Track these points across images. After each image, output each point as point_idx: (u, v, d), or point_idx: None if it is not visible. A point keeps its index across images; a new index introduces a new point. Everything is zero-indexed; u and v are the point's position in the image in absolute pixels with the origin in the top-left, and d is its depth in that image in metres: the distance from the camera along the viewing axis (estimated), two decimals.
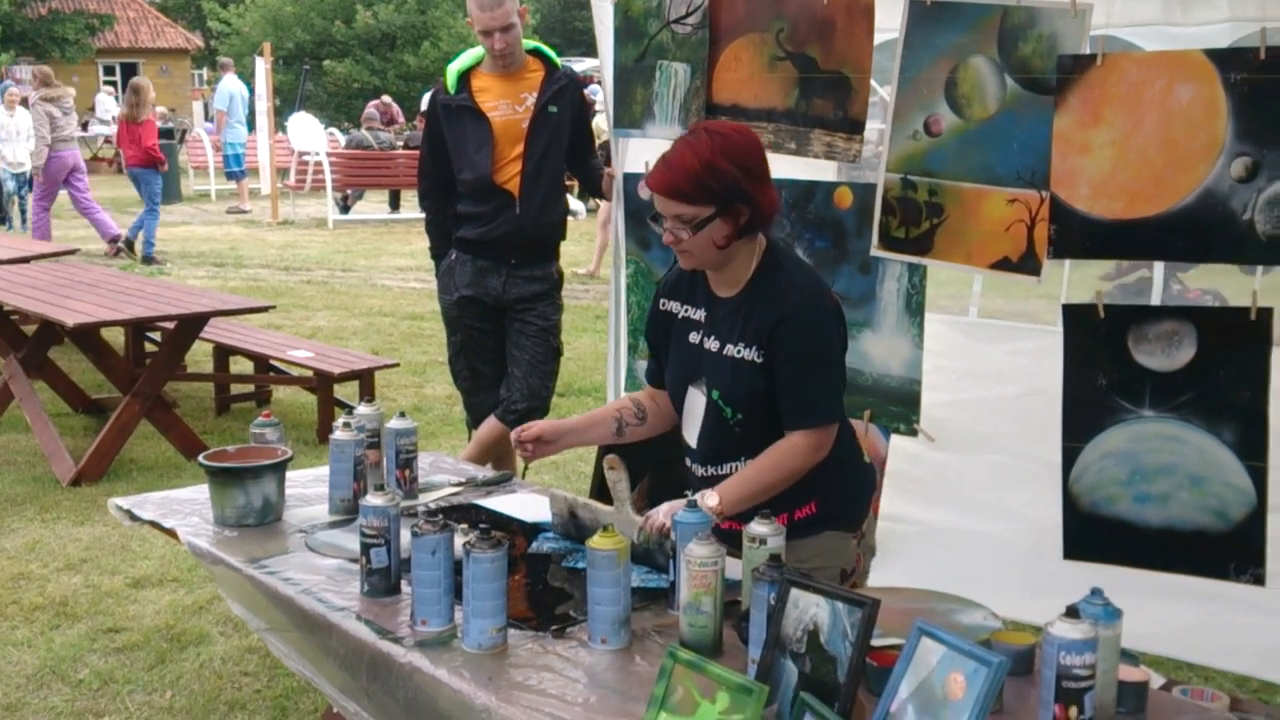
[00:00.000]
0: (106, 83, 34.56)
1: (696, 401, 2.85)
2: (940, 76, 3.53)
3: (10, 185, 15.45)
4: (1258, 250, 3.04)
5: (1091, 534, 3.43)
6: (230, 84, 18.23)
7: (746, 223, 2.66)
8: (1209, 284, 5.19)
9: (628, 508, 2.79)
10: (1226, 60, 3.02)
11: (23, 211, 15.07)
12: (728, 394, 2.76)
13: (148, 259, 13.16)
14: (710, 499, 2.63)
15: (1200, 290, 5.28)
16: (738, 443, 2.79)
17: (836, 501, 2.84)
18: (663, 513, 2.69)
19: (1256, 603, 3.33)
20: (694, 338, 2.85)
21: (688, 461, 2.94)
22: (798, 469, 2.70)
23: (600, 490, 3.39)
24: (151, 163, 13.21)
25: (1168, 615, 3.44)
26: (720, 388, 2.78)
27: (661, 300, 2.97)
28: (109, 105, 26.14)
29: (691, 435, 2.89)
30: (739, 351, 2.74)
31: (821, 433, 2.71)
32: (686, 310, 2.89)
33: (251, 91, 18.96)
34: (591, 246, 13.03)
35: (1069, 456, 3.41)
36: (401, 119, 22.45)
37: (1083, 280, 3.60)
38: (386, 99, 23.12)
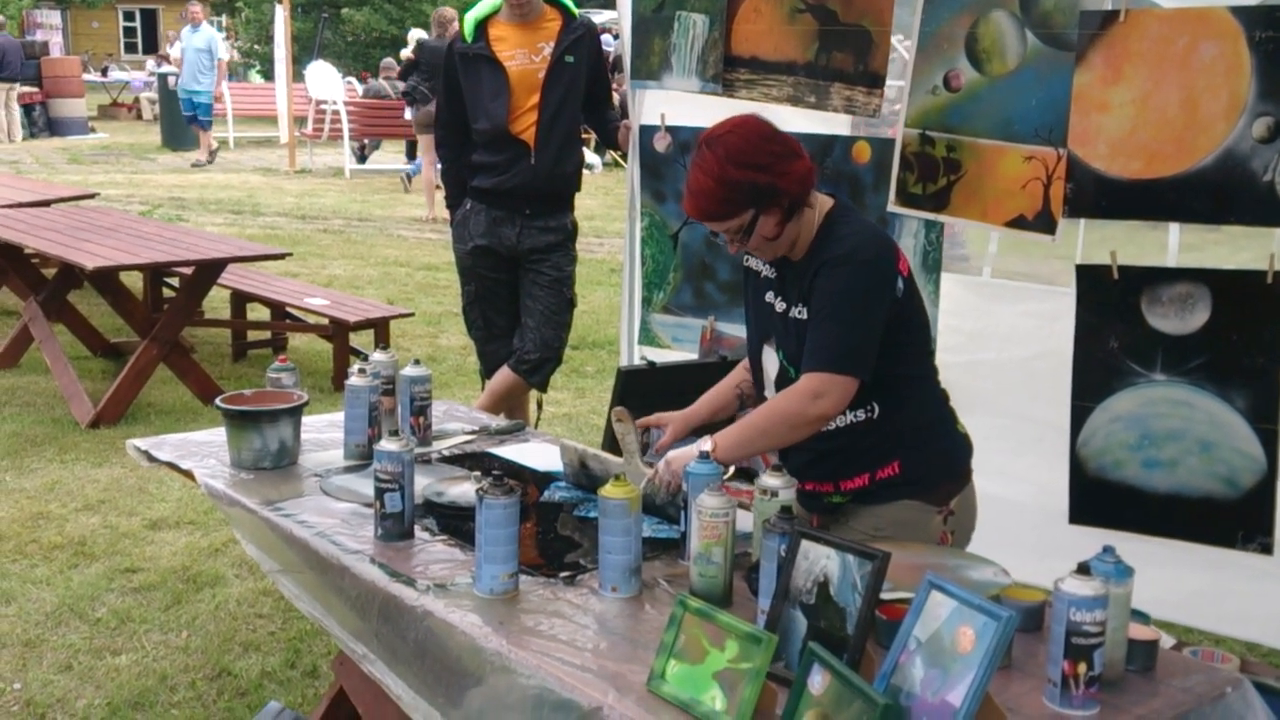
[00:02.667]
0: (127, 29, 34.47)
1: (770, 362, 2.81)
2: (961, 31, 3.50)
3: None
4: (1277, 212, 3.02)
5: (1098, 499, 3.42)
6: (204, 32, 17.82)
7: (789, 206, 2.62)
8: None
9: (636, 459, 2.81)
10: (1252, 18, 2.98)
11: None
12: (790, 355, 2.73)
13: None
14: (705, 443, 2.59)
15: None
16: None
17: (922, 464, 2.73)
18: (665, 466, 2.68)
19: (1266, 570, 3.32)
20: (769, 297, 2.81)
21: None
22: (793, 412, 2.60)
23: (611, 443, 3.41)
24: None
25: (1175, 581, 3.43)
26: (785, 348, 2.75)
27: (746, 257, 2.91)
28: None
29: (770, 395, 2.83)
30: (798, 312, 2.70)
31: (825, 379, 2.57)
32: (766, 268, 2.84)
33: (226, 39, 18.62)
34: (607, 200, 12.99)
35: (1078, 416, 3.40)
36: None
37: (1101, 242, 3.57)
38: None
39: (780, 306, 2.76)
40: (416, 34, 16.44)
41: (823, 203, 2.72)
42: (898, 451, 2.71)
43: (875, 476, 2.71)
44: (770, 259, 2.76)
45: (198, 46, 17.47)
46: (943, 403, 2.86)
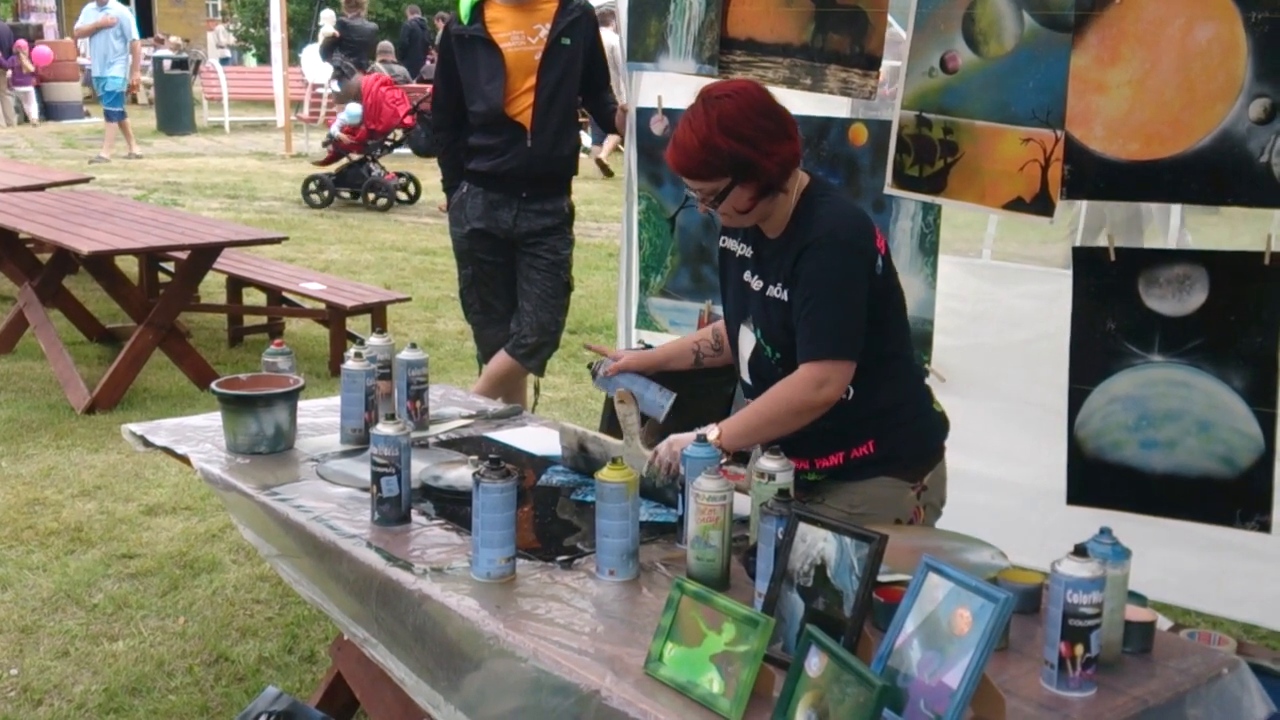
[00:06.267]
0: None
1: (747, 340, 2.84)
2: (958, 12, 3.48)
3: None
4: (1275, 193, 3.01)
5: (1096, 479, 3.43)
6: (114, 10, 15.83)
7: (765, 184, 2.63)
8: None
9: (637, 441, 2.82)
10: None
11: None
12: (768, 333, 2.76)
13: None
14: (711, 431, 2.63)
15: None
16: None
17: (897, 444, 2.76)
18: (666, 448, 2.70)
19: (1263, 551, 3.33)
20: (746, 276, 2.83)
21: (748, 400, 2.89)
22: (798, 401, 2.62)
23: (609, 426, 3.41)
24: None
25: (1174, 563, 3.44)
26: (763, 327, 2.77)
27: (722, 238, 2.95)
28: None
29: (745, 373, 2.88)
30: (775, 292, 2.72)
31: (826, 367, 2.61)
32: (742, 248, 2.86)
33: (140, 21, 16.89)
34: (604, 183, 12.97)
35: (1075, 399, 3.40)
36: None
37: (1099, 225, 3.56)
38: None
39: (757, 285, 2.79)
40: (329, 15, 16.80)
41: (800, 180, 2.73)
42: (872, 432, 2.75)
43: (850, 455, 2.76)
44: (734, 226, 2.80)
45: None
46: (918, 380, 2.90)
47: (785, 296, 2.70)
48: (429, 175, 13.27)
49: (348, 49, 14.27)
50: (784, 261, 2.69)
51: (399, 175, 13.06)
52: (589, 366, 3.11)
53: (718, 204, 2.67)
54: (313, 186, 12.85)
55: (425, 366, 3.27)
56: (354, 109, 12.47)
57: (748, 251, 2.84)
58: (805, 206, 2.70)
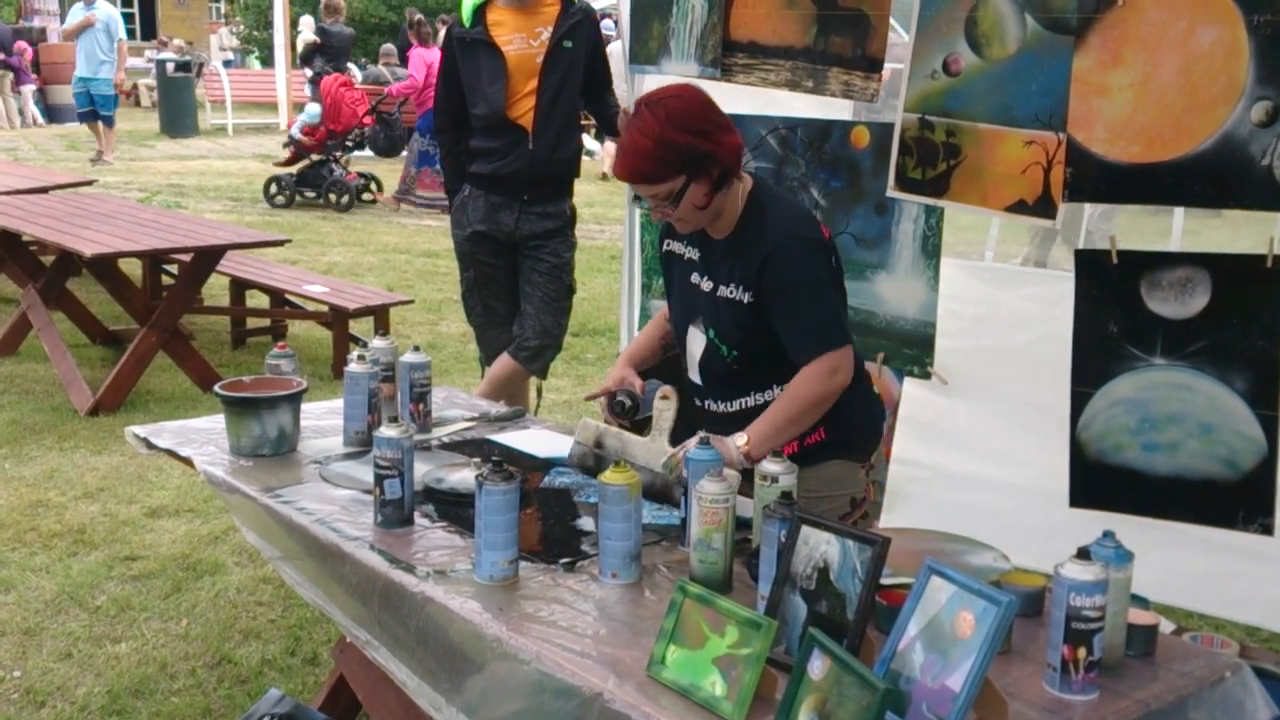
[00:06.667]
0: (125, 14, 34.40)
1: (696, 340, 2.92)
2: (960, 15, 3.49)
3: None
4: (1276, 196, 3.01)
5: (1098, 482, 3.43)
6: (102, 9, 15.31)
7: (719, 176, 2.71)
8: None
9: (664, 438, 2.83)
10: (1251, 2, 2.97)
11: None
12: (722, 333, 2.84)
13: None
14: (739, 439, 2.71)
15: None
16: (739, 379, 2.88)
17: (845, 429, 2.88)
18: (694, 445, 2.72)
19: (1265, 553, 3.32)
20: (694, 278, 2.92)
21: (696, 400, 2.99)
22: (817, 395, 2.73)
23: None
24: None
25: (1176, 564, 3.44)
26: (716, 327, 2.85)
27: (665, 241, 3.04)
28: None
29: (694, 373, 2.96)
30: (730, 292, 2.81)
31: (833, 356, 2.72)
32: (687, 250, 2.96)
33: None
34: (606, 186, 12.97)
35: (1077, 402, 3.41)
36: None
37: (1106, 229, 3.56)
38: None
39: (707, 286, 2.87)
40: (308, 20, 17.03)
41: (745, 182, 2.82)
42: (824, 420, 2.82)
43: (804, 444, 2.84)
44: (691, 230, 2.86)
45: (95, 27, 15.23)
46: (862, 366, 2.98)
47: (744, 298, 2.78)
48: (390, 176, 13.45)
49: (327, 54, 14.66)
50: (739, 263, 2.78)
51: (361, 176, 13.25)
52: (614, 408, 3.08)
53: (675, 205, 2.72)
54: (274, 188, 13.03)
55: (428, 369, 3.27)
56: (313, 109, 12.71)
57: (694, 254, 2.93)
58: (754, 206, 2.80)
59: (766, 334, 2.79)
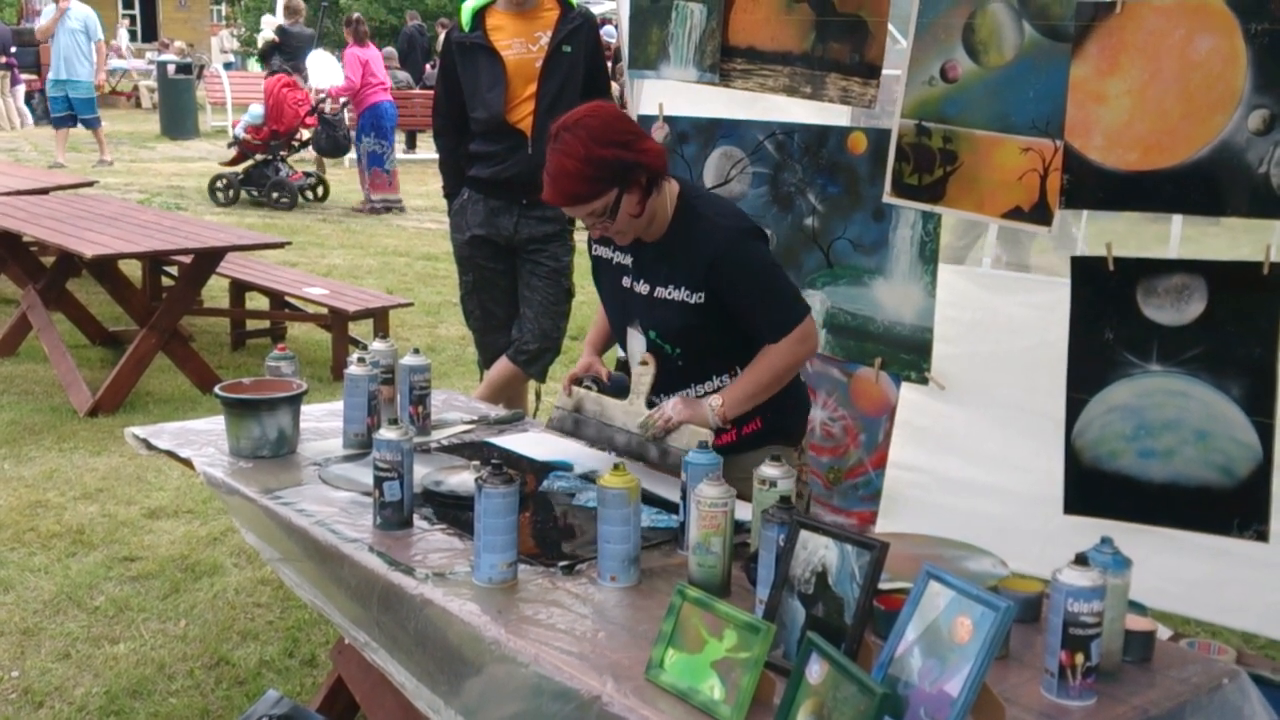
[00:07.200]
0: (125, 15, 34.47)
1: (637, 341, 3.06)
2: (958, 22, 3.50)
3: None
4: (1274, 204, 3.01)
5: (1093, 488, 3.43)
6: (79, 10, 15.02)
7: (648, 182, 2.83)
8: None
9: (641, 401, 3.00)
10: (1248, 10, 2.98)
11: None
12: (665, 334, 2.98)
13: None
14: (715, 400, 2.91)
15: None
16: (681, 375, 3.02)
17: (779, 416, 3.05)
18: (670, 406, 2.93)
19: (1262, 560, 3.32)
20: (626, 282, 3.05)
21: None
22: (789, 361, 2.92)
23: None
24: None
25: (1172, 571, 3.44)
26: (656, 328, 2.99)
27: (594, 247, 3.17)
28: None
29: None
30: (670, 293, 2.94)
31: (802, 326, 2.91)
32: (618, 255, 3.07)
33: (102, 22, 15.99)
34: None
35: (1073, 408, 3.41)
36: None
37: (1099, 234, 3.57)
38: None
39: (642, 289, 3.01)
40: (269, 19, 17.19)
41: (672, 186, 2.95)
42: (760, 410, 2.98)
43: (742, 432, 3.00)
44: (629, 240, 2.97)
45: (72, 27, 14.76)
46: None
47: (690, 299, 2.91)
48: (339, 176, 13.60)
49: (286, 53, 14.88)
50: (679, 265, 2.91)
51: (306, 175, 13.41)
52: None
53: (613, 218, 2.84)
54: (219, 185, 13.14)
55: (427, 372, 3.28)
56: (256, 110, 12.82)
57: (624, 258, 3.06)
58: (685, 208, 2.94)
59: (715, 331, 2.93)
